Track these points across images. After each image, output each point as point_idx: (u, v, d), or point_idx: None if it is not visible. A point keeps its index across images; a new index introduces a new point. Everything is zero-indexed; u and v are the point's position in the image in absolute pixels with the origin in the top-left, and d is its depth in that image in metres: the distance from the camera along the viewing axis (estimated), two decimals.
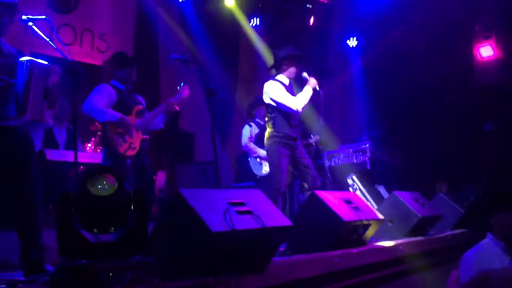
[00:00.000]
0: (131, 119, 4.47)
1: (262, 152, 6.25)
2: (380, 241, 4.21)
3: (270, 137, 4.94)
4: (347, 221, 3.63)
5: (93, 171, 2.51)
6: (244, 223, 2.68)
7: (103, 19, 7.83)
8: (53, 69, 3.41)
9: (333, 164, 6.96)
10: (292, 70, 5.00)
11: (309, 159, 5.07)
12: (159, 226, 2.60)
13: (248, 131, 6.39)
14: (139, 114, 4.59)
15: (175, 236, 2.56)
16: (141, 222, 2.49)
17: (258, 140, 6.39)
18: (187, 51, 7.85)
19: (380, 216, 4.13)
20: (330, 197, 3.81)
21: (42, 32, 3.52)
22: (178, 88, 4.71)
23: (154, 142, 5.89)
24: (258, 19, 8.10)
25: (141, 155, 4.55)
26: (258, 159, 6.32)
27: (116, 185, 2.48)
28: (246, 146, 6.35)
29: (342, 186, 6.55)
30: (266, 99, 4.97)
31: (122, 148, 4.34)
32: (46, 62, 3.39)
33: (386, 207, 4.73)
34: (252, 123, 6.49)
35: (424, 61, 7.55)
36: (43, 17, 3.55)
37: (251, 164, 6.36)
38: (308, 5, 7.83)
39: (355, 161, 6.79)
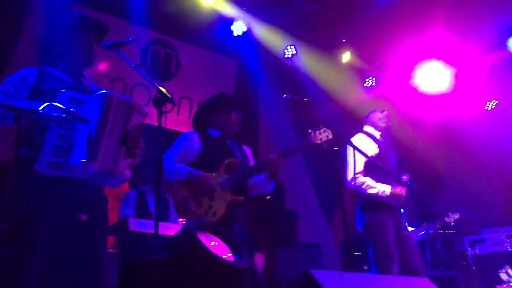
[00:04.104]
0: (215, 176, 3.28)
1: None
2: None
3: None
4: None
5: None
6: None
7: (202, 87, 7.40)
8: (137, 107, 2.55)
9: (478, 252, 5.49)
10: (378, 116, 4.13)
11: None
12: None
13: None
14: (231, 168, 3.36)
15: None
16: None
17: None
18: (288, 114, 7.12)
19: None
20: None
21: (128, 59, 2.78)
22: (309, 131, 3.38)
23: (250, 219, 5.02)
24: (374, 79, 7.22)
25: (231, 224, 3.26)
26: None
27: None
28: None
29: (492, 281, 5.04)
30: None
31: (196, 214, 3.19)
32: (128, 98, 2.60)
33: None
34: None
35: None
36: (130, 40, 2.81)
37: None
38: None
39: (509, 249, 5.27)
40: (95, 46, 2.77)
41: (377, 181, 3.84)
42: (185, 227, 2.42)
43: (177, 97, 7.20)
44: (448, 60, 6.80)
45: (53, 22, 2.82)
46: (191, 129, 7.81)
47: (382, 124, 4.19)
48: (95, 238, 2.46)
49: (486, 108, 7.29)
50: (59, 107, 2.31)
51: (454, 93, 6.98)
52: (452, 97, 6.95)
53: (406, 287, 1.94)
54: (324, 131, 3.34)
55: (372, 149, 3.99)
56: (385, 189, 3.75)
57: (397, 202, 3.72)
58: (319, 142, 3.32)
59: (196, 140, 3.48)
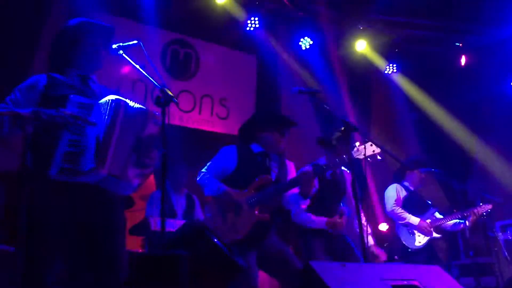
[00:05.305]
0: (245, 193, 3.28)
1: (414, 219, 4.94)
2: None
3: None
4: None
5: None
6: None
7: (223, 84, 7.40)
8: (151, 116, 2.58)
9: (510, 237, 5.31)
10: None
11: None
12: None
13: (394, 192, 5.14)
14: (262, 186, 3.32)
15: None
16: None
17: (405, 204, 5.10)
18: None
19: None
20: None
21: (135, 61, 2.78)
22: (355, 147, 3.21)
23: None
24: (394, 65, 7.05)
25: (259, 241, 3.30)
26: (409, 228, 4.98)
27: None
28: (392, 211, 5.07)
29: None
30: None
31: (220, 230, 3.19)
32: (141, 106, 2.60)
33: None
34: (399, 185, 5.23)
35: None
36: (135, 42, 2.82)
37: (400, 234, 5.03)
38: (457, 44, 6.58)
39: None
40: (103, 50, 2.80)
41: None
42: (196, 225, 2.44)
43: (198, 95, 7.24)
44: None
45: (60, 29, 2.85)
46: (213, 127, 7.80)
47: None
48: (108, 239, 2.48)
49: None
50: (68, 113, 2.36)
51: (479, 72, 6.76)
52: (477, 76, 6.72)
53: (415, 275, 1.88)
54: (371, 145, 3.22)
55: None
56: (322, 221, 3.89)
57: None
58: (362, 157, 3.21)
59: (234, 155, 3.46)
